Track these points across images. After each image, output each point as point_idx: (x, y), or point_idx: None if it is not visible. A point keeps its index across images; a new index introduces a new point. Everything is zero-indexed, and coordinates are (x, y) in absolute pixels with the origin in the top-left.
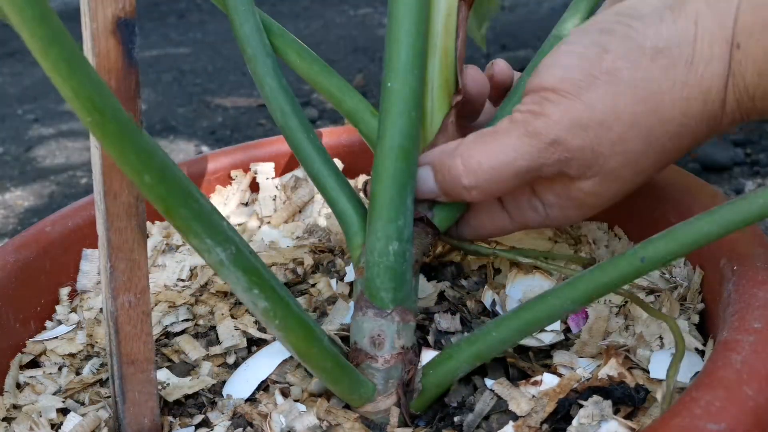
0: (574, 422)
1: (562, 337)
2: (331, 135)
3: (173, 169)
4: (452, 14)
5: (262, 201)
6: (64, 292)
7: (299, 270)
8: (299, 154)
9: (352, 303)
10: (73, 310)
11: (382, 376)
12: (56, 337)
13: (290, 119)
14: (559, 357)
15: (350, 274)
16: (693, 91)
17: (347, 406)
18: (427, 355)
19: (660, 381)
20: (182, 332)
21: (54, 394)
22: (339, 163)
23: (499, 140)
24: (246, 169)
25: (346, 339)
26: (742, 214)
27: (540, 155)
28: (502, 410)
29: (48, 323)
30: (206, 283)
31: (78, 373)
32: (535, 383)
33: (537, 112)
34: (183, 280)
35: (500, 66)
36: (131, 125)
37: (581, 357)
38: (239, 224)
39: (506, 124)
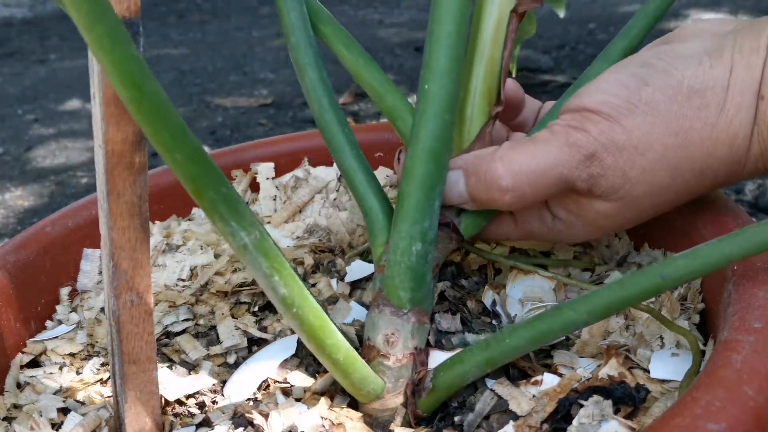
0: (575, 422)
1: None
2: None
3: (203, 152)
4: (502, 24)
5: (262, 201)
6: (65, 291)
7: (299, 270)
8: (332, 147)
9: (353, 303)
10: (74, 310)
11: (393, 375)
12: (56, 337)
13: (326, 112)
14: (559, 357)
15: (350, 274)
16: (721, 134)
17: (350, 406)
18: (434, 356)
19: (660, 381)
20: (182, 332)
21: (54, 393)
22: None
23: (540, 147)
24: (246, 169)
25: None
26: (766, 239)
27: (578, 167)
28: (502, 410)
29: (48, 323)
30: (206, 283)
31: (78, 373)
32: (536, 383)
33: (577, 127)
34: (183, 280)
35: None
36: (166, 104)
37: (582, 357)
38: None
39: (545, 134)
